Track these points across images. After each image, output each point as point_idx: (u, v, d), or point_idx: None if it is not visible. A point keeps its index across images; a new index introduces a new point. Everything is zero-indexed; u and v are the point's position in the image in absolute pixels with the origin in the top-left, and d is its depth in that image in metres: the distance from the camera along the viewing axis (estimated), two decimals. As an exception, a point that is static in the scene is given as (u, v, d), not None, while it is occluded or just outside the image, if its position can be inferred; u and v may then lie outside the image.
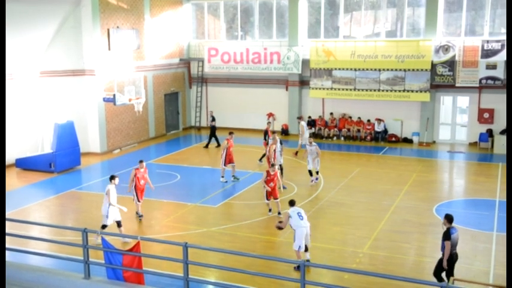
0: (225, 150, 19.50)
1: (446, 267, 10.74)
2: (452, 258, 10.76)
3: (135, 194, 15.47)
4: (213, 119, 25.83)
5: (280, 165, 19.40)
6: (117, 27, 24.47)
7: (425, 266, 12.64)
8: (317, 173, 19.16)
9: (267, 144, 20.80)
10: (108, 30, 23.89)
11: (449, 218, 10.84)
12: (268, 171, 15.91)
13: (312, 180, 19.00)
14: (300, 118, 25.62)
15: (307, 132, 24.30)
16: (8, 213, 15.74)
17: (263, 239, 14.17)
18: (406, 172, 20.80)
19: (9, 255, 10.65)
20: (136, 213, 15.81)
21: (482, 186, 19.00)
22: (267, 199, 15.96)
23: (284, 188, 18.17)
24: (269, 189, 15.74)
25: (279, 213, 15.76)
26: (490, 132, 24.74)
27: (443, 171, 22.48)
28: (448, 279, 10.91)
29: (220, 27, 30.24)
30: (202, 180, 20.31)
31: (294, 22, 27.58)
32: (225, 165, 19.57)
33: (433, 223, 15.23)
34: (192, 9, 30.48)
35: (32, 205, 17.25)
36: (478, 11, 25.41)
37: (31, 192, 18.87)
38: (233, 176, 19.75)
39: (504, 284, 10.29)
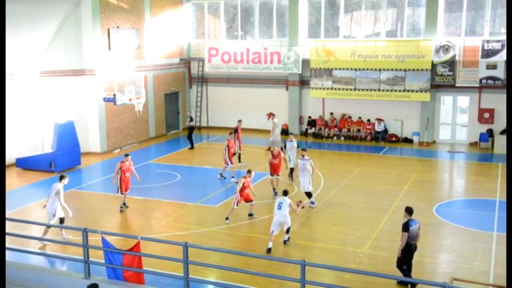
0: (226, 150, 19.53)
1: (400, 255, 11.34)
2: (412, 249, 11.28)
3: (119, 186, 16.28)
4: (191, 120, 25.39)
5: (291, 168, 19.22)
6: (117, 27, 24.47)
7: (425, 266, 12.65)
8: (310, 195, 16.67)
9: (234, 142, 21.11)
10: (108, 30, 23.89)
11: (409, 211, 11.40)
12: (245, 177, 15.32)
13: (311, 202, 16.73)
14: (273, 115, 25.67)
15: (278, 129, 24.41)
16: (8, 213, 15.75)
17: (263, 239, 14.16)
18: (406, 172, 20.80)
19: (9, 255, 10.66)
20: (124, 204, 16.65)
21: (482, 186, 19.00)
22: (237, 204, 15.33)
23: (275, 194, 17.38)
24: (240, 198, 15.26)
25: (251, 214, 15.71)
26: (490, 132, 24.74)
27: (444, 171, 22.48)
28: (410, 270, 11.34)
29: (220, 27, 30.25)
30: (202, 180, 20.31)
31: (294, 22, 27.57)
32: (232, 163, 19.62)
33: (433, 223, 15.23)
34: (192, 9, 30.49)
35: (32, 205, 17.25)
36: (478, 11, 25.41)
37: (31, 191, 18.88)
38: (221, 174, 19.93)
39: (504, 284, 10.30)
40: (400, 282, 11.63)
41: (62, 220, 14.13)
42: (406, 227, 11.20)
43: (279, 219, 13.46)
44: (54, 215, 14.02)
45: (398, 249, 11.43)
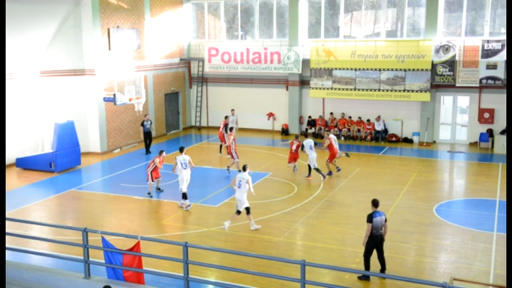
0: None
1: (364, 244, 11.76)
2: (377, 239, 11.64)
3: (150, 176, 17.94)
4: (151, 123, 24.37)
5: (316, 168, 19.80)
6: (118, 26, 24.47)
7: (425, 266, 12.65)
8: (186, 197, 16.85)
9: (223, 135, 22.90)
10: (109, 30, 23.89)
11: (374, 203, 11.84)
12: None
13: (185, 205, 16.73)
14: (233, 110, 26.17)
15: (232, 125, 24.69)
16: (8, 213, 15.76)
17: (263, 239, 14.17)
18: (406, 172, 20.80)
19: (9, 255, 10.66)
20: (158, 188, 18.38)
21: (482, 186, 19.00)
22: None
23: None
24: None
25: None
26: (490, 132, 24.74)
27: (444, 171, 22.47)
28: (367, 257, 11.71)
29: (220, 27, 30.25)
30: (202, 180, 20.29)
31: (294, 22, 27.57)
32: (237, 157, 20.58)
33: (433, 223, 15.23)
34: (193, 9, 30.49)
35: (32, 205, 17.26)
36: (478, 11, 25.41)
37: (31, 191, 18.88)
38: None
39: (504, 284, 10.31)
40: (361, 277, 11.83)
41: (248, 210, 14.67)
42: (370, 218, 11.60)
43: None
44: (243, 202, 14.63)
45: (363, 239, 11.85)
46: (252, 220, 14.77)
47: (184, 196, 16.70)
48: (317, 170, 19.58)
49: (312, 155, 19.68)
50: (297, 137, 21.09)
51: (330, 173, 20.11)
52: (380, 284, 11.52)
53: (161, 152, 18.36)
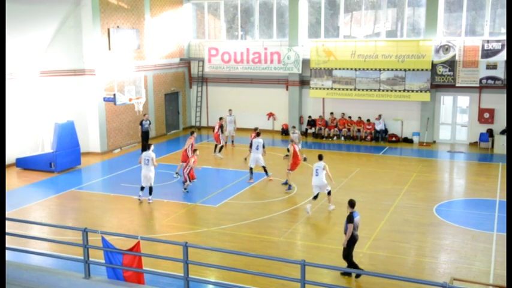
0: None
1: (345, 245, 11.79)
2: (356, 239, 11.84)
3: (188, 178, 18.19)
4: (150, 123, 24.20)
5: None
6: (118, 26, 24.47)
7: (425, 266, 12.65)
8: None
9: (218, 136, 23.40)
10: (108, 30, 23.89)
11: (351, 203, 12.00)
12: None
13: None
14: (230, 110, 26.44)
15: (230, 125, 25.73)
16: (8, 213, 15.76)
17: (263, 239, 14.17)
18: (406, 172, 20.80)
19: (9, 255, 10.65)
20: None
21: (482, 186, 19.00)
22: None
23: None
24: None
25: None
26: (490, 132, 24.74)
27: (444, 171, 22.47)
28: (351, 258, 11.81)
29: (220, 27, 30.25)
30: (203, 180, 20.29)
31: (294, 22, 27.57)
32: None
33: (433, 223, 15.24)
34: (193, 9, 30.49)
35: (32, 205, 17.26)
36: (478, 11, 25.41)
37: (31, 191, 18.88)
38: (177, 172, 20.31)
39: (504, 284, 10.31)
40: (344, 273, 11.90)
41: (329, 192, 16.11)
42: (350, 218, 11.71)
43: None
44: (323, 187, 15.92)
45: (343, 241, 11.83)
46: (331, 202, 16.19)
47: (142, 189, 17.23)
48: (251, 170, 19.38)
49: (255, 155, 19.30)
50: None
51: (289, 187, 18.30)
52: (380, 284, 11.51)
53: (195, 150, 18.33)
